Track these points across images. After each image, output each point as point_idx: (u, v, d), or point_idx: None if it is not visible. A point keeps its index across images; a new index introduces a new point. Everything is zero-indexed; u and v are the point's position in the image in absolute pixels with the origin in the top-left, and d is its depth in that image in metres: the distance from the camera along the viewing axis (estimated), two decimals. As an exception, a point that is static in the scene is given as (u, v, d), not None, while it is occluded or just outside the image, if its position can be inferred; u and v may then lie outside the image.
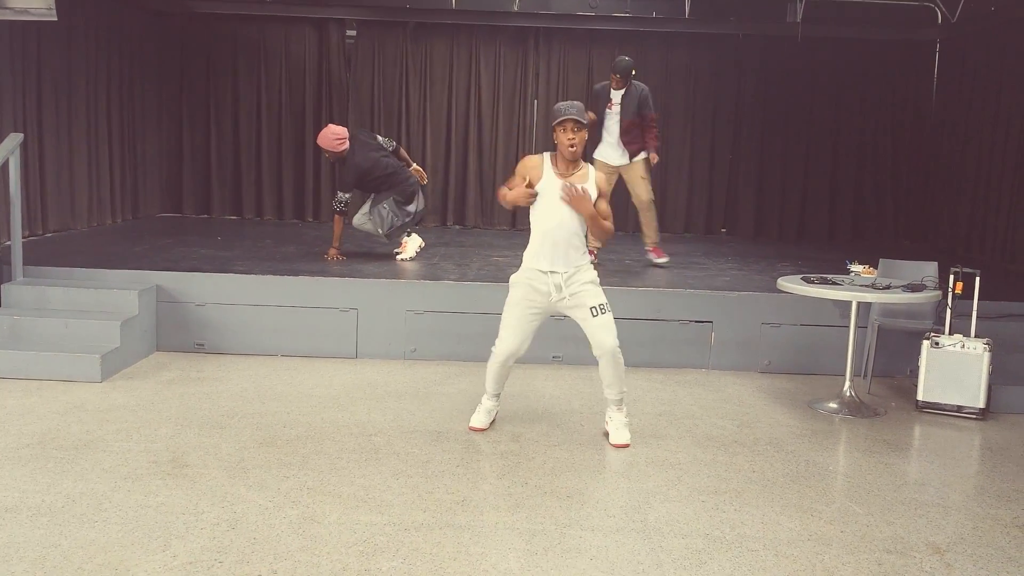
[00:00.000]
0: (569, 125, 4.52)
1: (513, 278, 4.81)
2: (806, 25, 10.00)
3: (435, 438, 4.84)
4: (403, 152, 7.80)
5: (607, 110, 7.62)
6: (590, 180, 4.63)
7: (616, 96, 7.60)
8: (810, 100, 10.85)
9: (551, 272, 4.64)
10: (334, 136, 7.35)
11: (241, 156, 10.93)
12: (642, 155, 7.62)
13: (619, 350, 4.70)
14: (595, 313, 4.64)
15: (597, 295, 4.68)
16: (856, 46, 10.66)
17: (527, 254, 4.75)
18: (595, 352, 4.73)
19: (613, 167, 7.64)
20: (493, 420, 5.10)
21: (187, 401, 5.36)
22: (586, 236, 4.77)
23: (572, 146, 4.53)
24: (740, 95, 10.91)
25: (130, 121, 10.07)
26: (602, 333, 4.65)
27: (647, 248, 8.00)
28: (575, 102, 4.64)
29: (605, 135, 7.68)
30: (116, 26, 9.63)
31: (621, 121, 7.55)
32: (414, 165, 7.78)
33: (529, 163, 4.69)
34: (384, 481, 4.19)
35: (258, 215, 11.00)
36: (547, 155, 4.70)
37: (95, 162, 9.30)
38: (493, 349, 4.91)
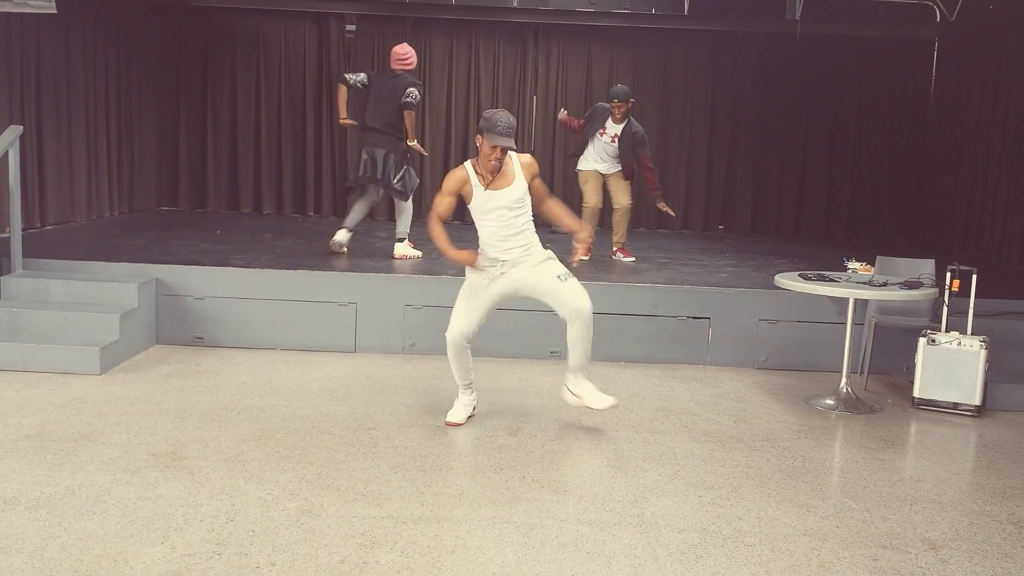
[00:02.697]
0: (500, 148, 4.58)
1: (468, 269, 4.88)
2: (805, 22, 9.99)
3: (433, 432, 4.85)
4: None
5: (599, 135, 7.80)
6: (517, 175, 4.71)
7: (614, 129, 7.77)
8: (808, 97, 10.87)
9: (505, 261, 4.76)
10: (395, 53, 7.46)
11: (239, 150, 10.93)
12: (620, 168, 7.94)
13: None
14: (562, 279, 4.76)
15: (556, 265, 4.81)
16: (855, 44, 10.68)
17: (481, 248, 4.84)
18: (569, 316, 4.76)
19: (600, 174, 7.93)
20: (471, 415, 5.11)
21: (186, 394, 5.37)
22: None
23: (496, 161, 4.60)
24: (738, 92, 10.92)
25: (128, 114, 10.07)
26: (576, 296, 4.74)
27: (615, 248, 8.11)
28: (510, 120, 4.60)
29: (593, 153, 7.89)
30: (114, 19, 9.63)
31: (620, 158, 7.84)
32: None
33: (456, 179, 4.72)
34: (382, 474, 4.20)
35: (256, 209, 11.00)
36: (470, 167, 4.73)
37: (94, 155, 9.30)
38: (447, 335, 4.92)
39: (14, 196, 6.39)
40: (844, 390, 5.68)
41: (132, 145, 10.23)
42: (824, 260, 7.83)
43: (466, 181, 4.71)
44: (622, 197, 7.96)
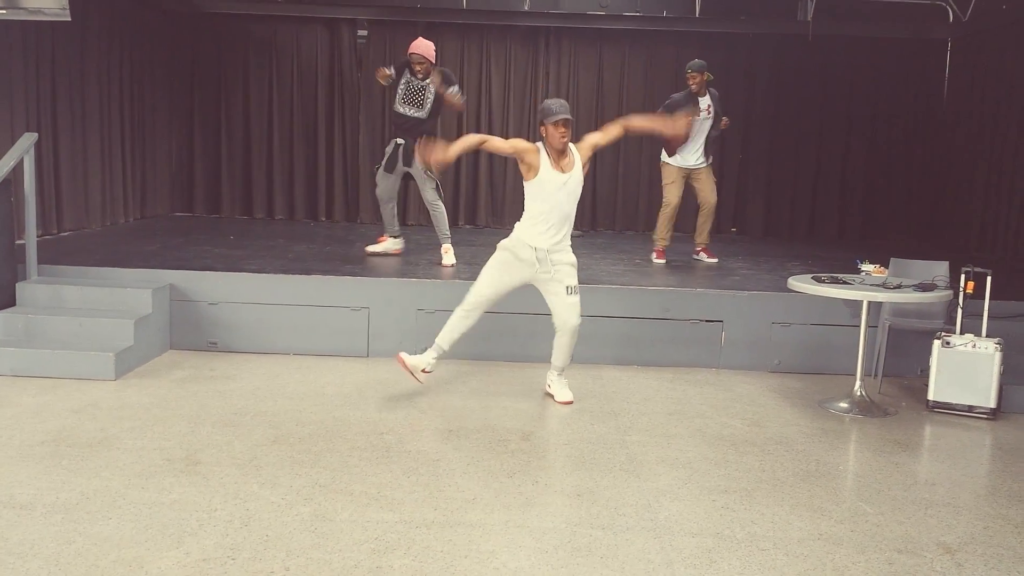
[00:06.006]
0: (562, 122, 5.10)
1: (501, 243, 5.41)
2: (817, 24, 9.98)
3: (446, 436, 4.86)
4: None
5: (695, 117, 7.77)
6: (576, 160, 5.25)
7: (703, 103, 7.83)
8: (821, 99, 10.83)
9: (537, 248, 5.26)
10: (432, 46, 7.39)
11: (252, 155, 10.98)
12: (709, 159, 8.00)
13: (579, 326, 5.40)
14: (569, 292, 5.31)
15: (572, 276, 5.34)
16: (867, 44, 10.64)
17: (520, 227, 5.34)
18: (558, 326, 5.39)
19: (687, 169, 7.94)
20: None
21: (200, 399, 5.39)
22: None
23: (564, 138, 5.13)
24: (751, 94, 10.89)
25: (142, 120, 10.14)
26: (570, 312, 5.32)
27: (698, 248, 8.26)
28: (563, 101, 5.17)
29: (690, 144, 7.86)
30: (128, 26, 9.69)
31: (712, 126, 7.89)
32: None
33: (526, 147, 5.22)
34: (395, 479, 4.21)
35: (269, 214, 11.05)
36: (540, 147, 5.22)
37: (108, 161, 9.36)
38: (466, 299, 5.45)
39: (29, 203, 6.44)
40: (858, 393, 5.65)
41: (146, 151, 10.29)
42: (837, 262, 7.80)
43: (536, 151, 5.19)
44: (710, 194, 7.99)
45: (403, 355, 5.47)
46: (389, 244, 7.81)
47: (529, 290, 6.22)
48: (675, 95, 7.94)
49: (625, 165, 10.97)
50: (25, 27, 7.81)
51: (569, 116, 5.11)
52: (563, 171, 5.19)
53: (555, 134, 5.11)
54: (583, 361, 6.42)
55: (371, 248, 7.83)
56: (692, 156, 7.88)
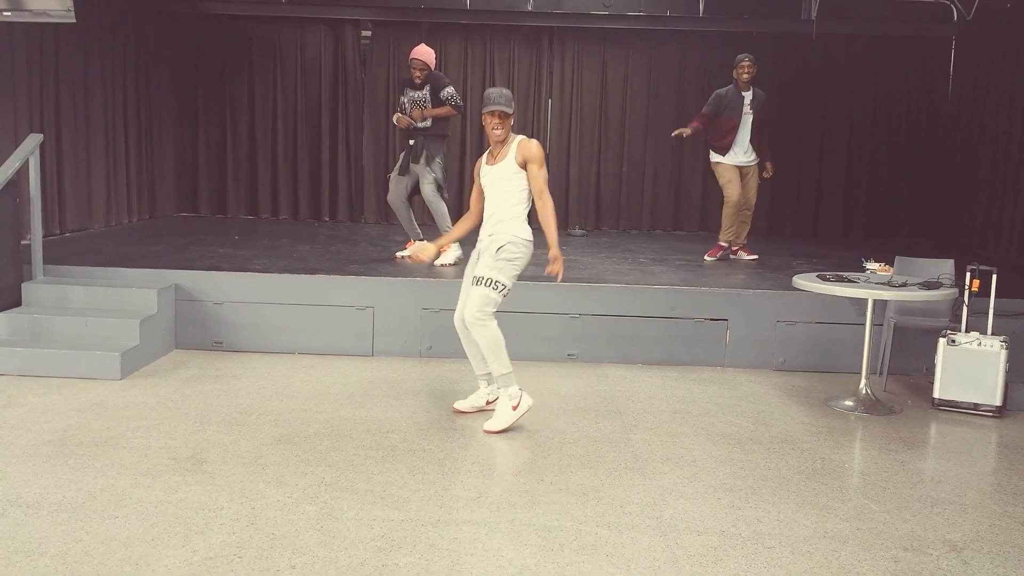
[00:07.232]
0: (496, 113, 4.89)
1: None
2: (821, 22, 9.97)
3: (451, 435, 4.86)
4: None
5: (743, 114, 7.93)
6: (511, 153, 4.92)
7: (747, 97, 7.96)
8: (825, 97, 10.83)
9: (480, 239, 5.05)
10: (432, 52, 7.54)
11: (257, 156, 11.01)
12: (757, 160, 8.10)
13: (479, 325, 4.84)
14: (476, 282, 4.91)
15: (490, 268, 4.87)
16: (871, 43, 10.64)
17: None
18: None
19: (738, 166, 8.05)
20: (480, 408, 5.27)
21: (206, 398, 5.40)
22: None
23: (495, 129, 4.91)
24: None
25: (146, 121, 10.16)
26: (469, 303, 4.91)
27: (736, 248, 8.35)
28: (504, 91, 4.98)
29: (740, 141, 7.99)
30: (132, 27, 9.72)
31: (754, 122, 7.97)
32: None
33: (477, 165, 5.15)
34: (401, 477, 4.21)
35: (274, 214, 11.07)
36: (486, 153, 5.12)
37: (112, 162, 9.38)
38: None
39: (35, 204, 6.46)
40: (863, 391, 5.65)
41: (151, 152, 10.31)
42: (842, 261, 7.80)
43: (480, 163, 5.11)
44: (753, 195, 8.17)
45: (457, 405, 5.29)
46: (416, 247, 7.84)
47: (530, 288, 6.25)
48: (721, 91, 8.03)
49: (630, 164, 10.97)
50: (29, 29, 7.83)
51: (503, 108, 4.85)
52: (494, 163, 4.96)
53: (488, 123, 4.91)
54: (588, 360, 6.43)
55: (401, 253, 7.84)
56: (742, 155, 8.01)
